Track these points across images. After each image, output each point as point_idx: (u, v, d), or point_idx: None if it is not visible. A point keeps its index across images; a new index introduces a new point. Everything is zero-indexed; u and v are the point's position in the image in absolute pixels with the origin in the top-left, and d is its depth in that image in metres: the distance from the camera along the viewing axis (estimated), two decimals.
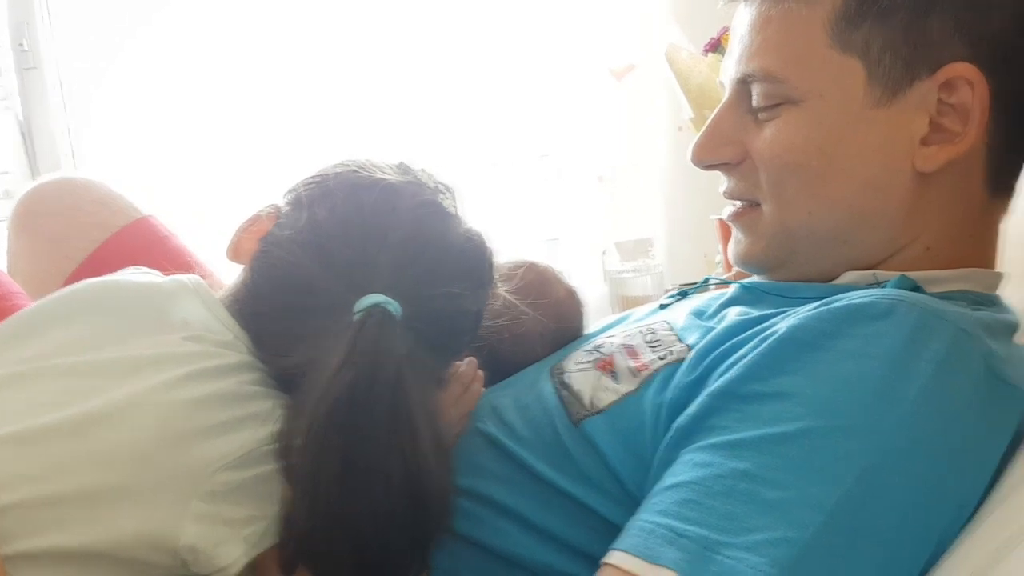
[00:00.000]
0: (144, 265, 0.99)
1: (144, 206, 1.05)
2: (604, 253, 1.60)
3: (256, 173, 1.92)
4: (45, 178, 1.04)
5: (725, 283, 0.83)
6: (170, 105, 1.93)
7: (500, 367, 0.81)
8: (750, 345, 0.60)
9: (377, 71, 1.88)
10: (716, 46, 1.28)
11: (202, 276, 1.01)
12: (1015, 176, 0.70)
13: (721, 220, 1.31)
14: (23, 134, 1.98)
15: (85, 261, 0.98)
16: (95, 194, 1.01)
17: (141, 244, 1.01)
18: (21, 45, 1.94)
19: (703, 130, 0.72)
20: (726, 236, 1.28)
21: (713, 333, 0.65)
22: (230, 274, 1.06)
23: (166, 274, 0.73)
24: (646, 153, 1.64)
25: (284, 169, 1.90)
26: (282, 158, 1.91)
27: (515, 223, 1.81)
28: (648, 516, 0.53)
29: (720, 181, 0.75)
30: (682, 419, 0.60)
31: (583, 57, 1.67)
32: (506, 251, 0.91)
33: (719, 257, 1.36)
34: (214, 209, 1.88)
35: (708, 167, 0.73)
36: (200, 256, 1.08)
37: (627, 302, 1.35)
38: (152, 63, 1.92)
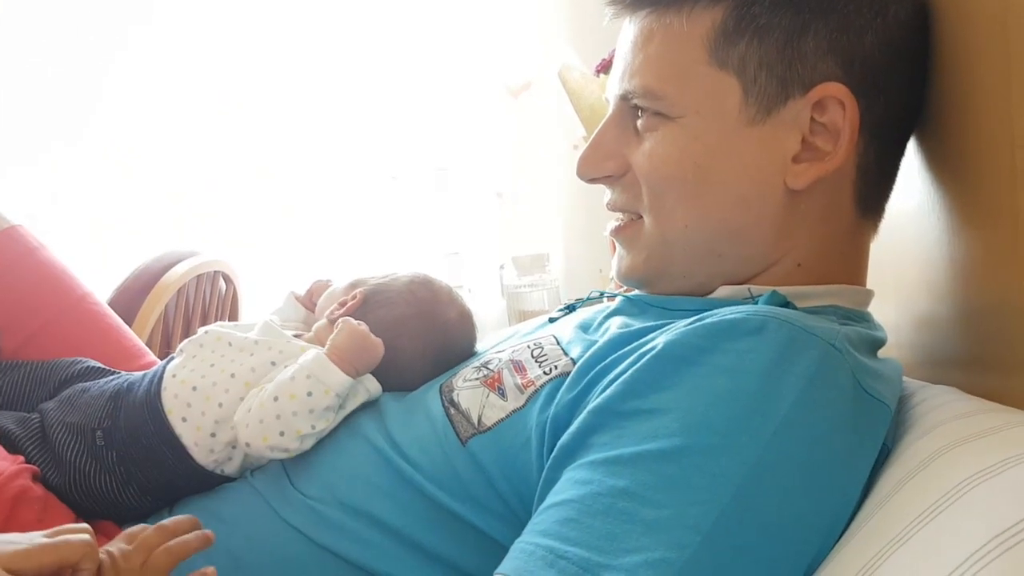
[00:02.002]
0: (7, 276, 0.94)
1: (12, 215, 0.99)
2: (502, 267, 1.60)
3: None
4: None
5: (613, 296, 0.84)
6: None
7: (382, 378, 0.80)
8: (629, 360, 0.60)
9: (276, 83, 1.84)
10: (607, 67, 1.30)
11: (70, 290, 0.98)
12: (884, 198, 0.73)
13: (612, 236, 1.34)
14: None
15: None
16: None
17: (11, 254, 0.95)
18: None
19: (587, 145, 0.73)
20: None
21: (595, 347, 0.65)
22: (95, 285, 1.02)
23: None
24: (543, 170, 1.66)
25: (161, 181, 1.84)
26: (162, 169, 1.84)
27: (415, 236, 1.80)
28: (530, 537, 0.53)
29: None
30: (564, 437, 0.59)
31: (481, 73, 1.68)
32: (408, 264, 0.91)
33: (613, 272, 1.38)
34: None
35: (592, 180, 0.74)
36: (68, 267, 1.02)
37: (524, 316, 1.36)
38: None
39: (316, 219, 1.89)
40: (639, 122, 0.70)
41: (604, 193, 0.77)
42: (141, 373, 0.85)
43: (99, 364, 0.91)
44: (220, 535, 0.72)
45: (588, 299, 0.86)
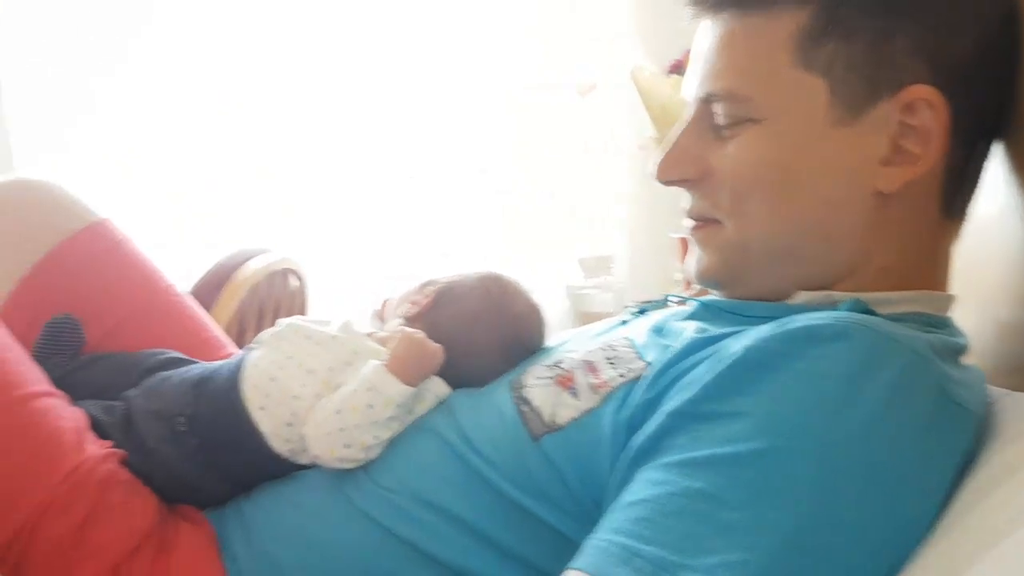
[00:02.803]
0: (97, 269, 0.98)
1: (99, 210, 1.03)
2: (566, 269, 1.60)
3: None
4: None
5: (684, 300, 0.83)
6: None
7: (455, 376, 0.81)
8: (707, 364, 0.60)
9: (351, 80, 1.87)
10: (679, 68, 1.30)
11: (153, 283, 1.01)
12: (969, 201, 0.71)
13: (682, 238, 1.33)
14: None
15: (39, 263, 0.96)
16: (51, 195, 0.99)
17: (98, 247, 0.99)
18: None
19: (664, 147, 0.73)
20: (685, 254, 1.30)
21: (671, 351, 0.65)
22: (175, 277, 1.06)
23: None
24: (609, 171, 1.66)
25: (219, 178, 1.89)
26: (221, 170, 1.89)
27: (479, 236, 1.81)
28: (604, 535, 0.54)
29: (681, 199, 0.76)
30: (639, 437, 0.60)
31: (549, 73, 1.69)
32: (474, 264, 0.92)
33: (679, 275, 1.37)
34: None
35: (669, 183, 0.73)
36: (151, 261, 1.06)
37: (587, 318, 1.36)
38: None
39: (383, 218, 1.92)
40: (721, 124, 0.70)
41: (673, 196, 0.77)
42: (222, 362, 0.88)
43: (181, 354, 0.95)
44: (294, 520, 0.75)
45: (661, 303, 0.86)
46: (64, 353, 0.92)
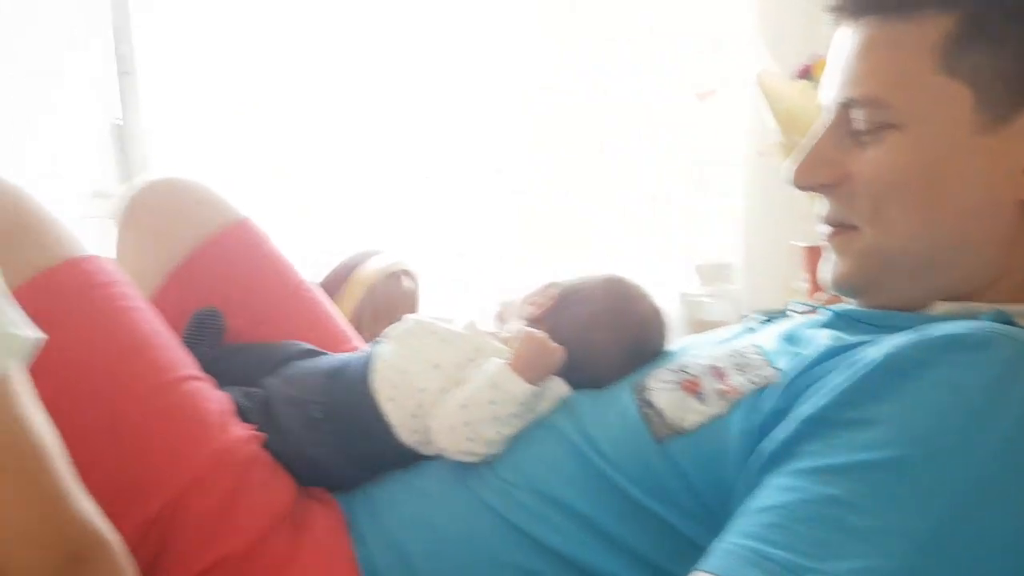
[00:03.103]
0: (239, 265, 1.04)
1: (241, 209, 1.10)
2: (681, 276, 1.59)
3: (328, 177, 1.98)
4: (153, 177, 1.09)
5: (812, 309, 0.82)
6: (253, 113, 2.00)
7: (576, 377, 0.82)
8: (842, 371, 0.60)
9: (480, 88, 1.90)
10: (807, 73, 1.27)
11: (289, 279, 1.07)
12: None
13: (807, 247, 1.30)
14: (116, 137, 2.08)
15: (187, 258, 1.02)
16: (198, 195, 1.06)
17: (240, 244, 1.05)
18: (120, 50, 2.04)
19: (802, 152, 0.72)
20: (811, 263, 1.26)
21: (804, 358, 0.65)
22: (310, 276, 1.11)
23: None
24: (728, 176, 1.63)
25: (346, 175, 1.96)
26: (343, 164, 1.96)
27: (591, 241, 1.82)
28: (734, 538, 0.54)
29: (802, 207, 0.75)
30: (770, 443, 0.60)
31: (666, 77, 1.67)
32: (585, 270, 0.93)
33: (801, 283, 1.34)
34: (291, 211, 1.95)
35: (806, 188, 0.73)
36: (287, 258, 1.12)
37: (702, 326, 1.34)
38: (237, 73, 2.00)
39: (488, 224, 1.95)
40: (860, 130, 0.69)
41: (794, 203, 0.76)
42: (353, 354, 0.92)
43: (313, 347, 1.00)
44: (420, 507, 0.78)
45: (788, 310, 0.85)
46: (208, 343, 0.98)
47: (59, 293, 0.76)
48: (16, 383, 0.42)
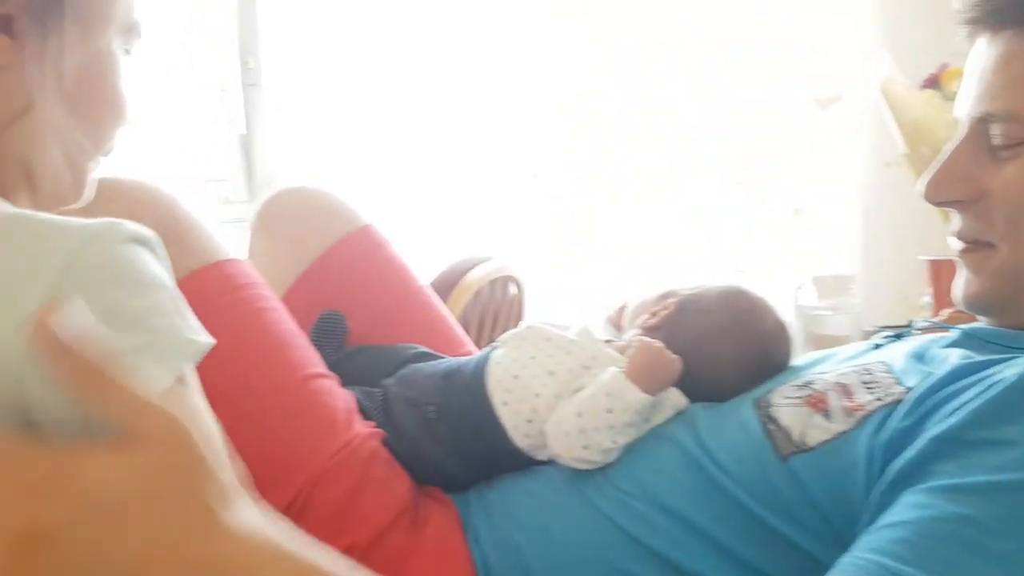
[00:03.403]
0: (361, 270, 1.09)
1: (365, 215, 1.14)
2: (798, 288, 1.55)
3: (446, 184, 2.03)
4: (284, 185, 1.15)
5: (940, 327, 0.80)
6: (376, 125, 2.08)
7: (694, 389, 0.82)
8: (975, 391, 0.59)
9: (578, 95, 1.92)
10: (935, 82, 1.22)
11: (408, 283, 1.11)
12: None
13: (932, 261, 1.25)
14: (243, 147, 2.20)
15: (315, 263, 1.07)
16: (326, 202, 1.11)
17: (363, 249, 1.10)
18: (247, 63, 2.15)
19: (936, 166, 0.70)
20: (936, 277, 1.22)
21: (934, 377, 0.64)
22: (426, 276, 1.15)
23: None
24: (848, 187, 1.59)
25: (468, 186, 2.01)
26: (471, 176, 2.00)
27: (702, 250, 1.80)
28: (862, 553, 0.53)
29: (927, 220, 0.73)
30: (900, 462, 0.59)
31: (786, 85, 1.64)
32: (693, 279, 0.93)
33: (925, 299, 1.29)
34: (413, 217, 2.01)
35: (939, 204, 0.71)
36: (407, 263, 1.16)
37: (820, 340, 1.31)
38: (361, 85, 2.09)
39: (596, 230, 1.96)
40: (998, 145, 0.66)
41: (919, 217, 0.74)
42: (468, 358, 0.95)
43: (430, 350, 1.03)
44: (534, 511, 0.79)
45: (915, 328, 0.82)
46: (332, 344, 1.02)
47: (206, 293, 0.81)
48: (192, 381, 0.46)
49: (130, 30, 0.52)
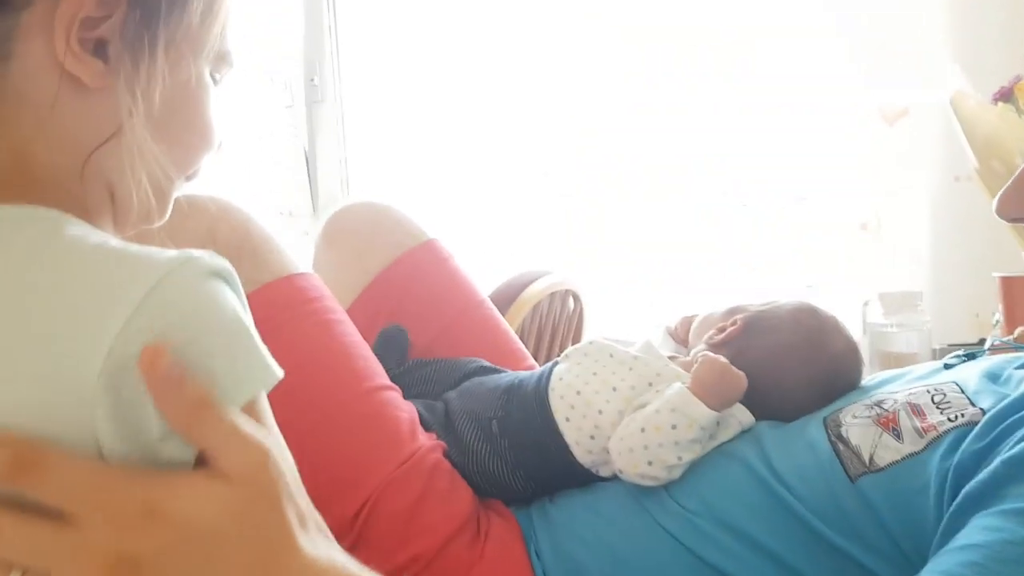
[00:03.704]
0: (425, 283, 1.11)
1: (429, 229, 1.16)
2: (866, 304, 1.52)
3: (508, 202, 2.05)
4: (352, 200, 1.18)
5: (1014, 348, 0.78)
6: (436, 138, 2.12)
7: (761, 406, 0.81)
8: None
9: (632, 108, 1.93)
10: (1008, 95, 1.19)
11: (470, 297, 1.12)
12: None
13: (1003, 278, 1.22)
14: (307, 161, 2.26)
15: (379, 275, 1.10)
16: (392, 217, 1.13)
17: (426, 263, 1.12)
18: (312, 80, 2.21)
19: (1012, 182, 0.69)
20: (1009, 295, 1.18)
21: (1009, 398, 0.62)
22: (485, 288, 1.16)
23: None
24: (916, 202, 1.55)
25: (539, 204, 2.02)
26: (539, 191, 2.01)
27: (768, 266, 1.78)
28: (932, 575, 0.52)
29: (1000, 237, 0.72)
30: (972, 484, 0.58)
31: (852, 99, 1.62)
32: (764, 295, 0.92)
33: (997, 317, 1.25)
34: (476, 229, 2.04)
35: (1013, 220, 0.69)
36: (469, 277, 1.17)
37: (888, 357, 1.28)
38: (425, 102, 2.12)
39: (659, 247, 1.95)
40: None
41: (991, 232, 0.73)
42: (529, 372, 0.95)
43: (490, 364, 1.04)
44: (597, 528, 0.79)
45: (981, 350, 0.81)
46: (395, 358, 1.04)
47: (277, 305, 0.84)
48: (265, 408, 0.47)
49: (222, 59, 0.53)
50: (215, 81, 0.53)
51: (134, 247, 0.44)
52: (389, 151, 2.20)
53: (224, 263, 0.45)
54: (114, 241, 0.45)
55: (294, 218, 2.30)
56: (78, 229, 0.45)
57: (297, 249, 1.20)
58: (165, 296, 0.41)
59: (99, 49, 0.46)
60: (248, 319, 0.46)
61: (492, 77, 2.05)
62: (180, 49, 0.48)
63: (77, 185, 0.47)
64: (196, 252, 0.44)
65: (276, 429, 0.48)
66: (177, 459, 0.42)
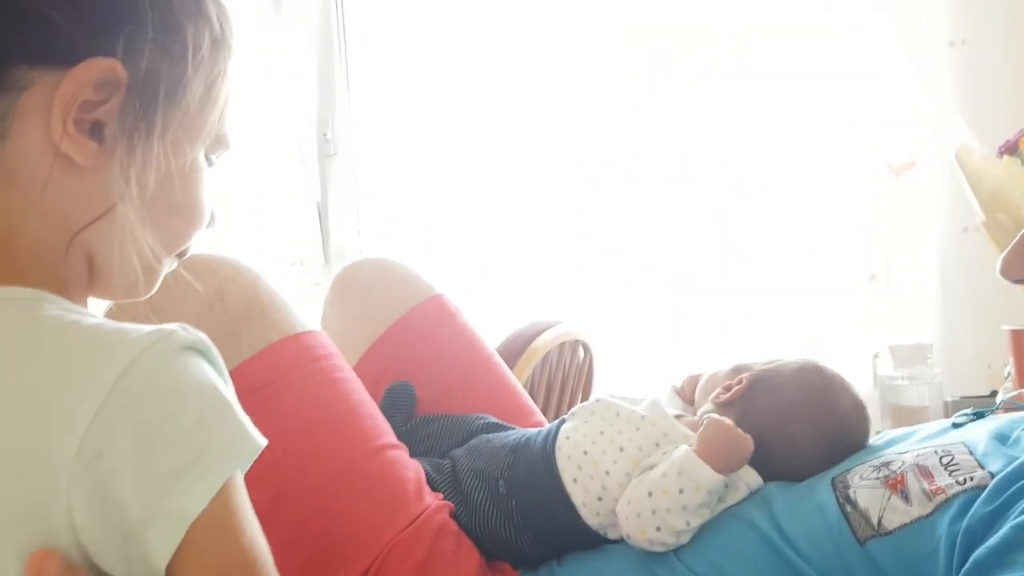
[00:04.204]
0: (431, 339, 1.11)
1: (436, 284, 1.17)
2: (876, 356, 1.51)
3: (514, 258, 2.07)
4: (359, 257, 1.19)
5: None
6: (448, 193, 2.14)
7: (769, 467, 0.80)
8: None
9: (641, 163, 1.95)
10: (1013, 149, 1.20)
11: (478, 351, 1.12)
12: None
13: (1014, 331, 1.21)
14: (319, 213, 2.29)
15: (386, 332, 1.10)
16: (399, 273, 1.14)
17: (433, 319, 1.12)
18: (325, 135, 2.25)
19: (1015, 244, 0.69)
20: (1019, 348, 1.17)
21: (1018, 461, 0.62)
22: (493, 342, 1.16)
23: None
24: (925, 253, 1.55)
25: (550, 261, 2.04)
26: (550, 250, 2.03)
27: (777, 319, 1.77)
28: None
29: (1010, 288, 0.71)
30: (982, 550, 0.57)
31: (857, 151, 1.63)
32: (771, 349, 0.91)
33: (1008, 370, 1.24)
34: (483, 281, 2.05)
35: (1017, 282, 0.69)
36: (477, 331, 1.18)
37: (899, 411, 1.27)
38: (434, 154, 2.16)
39: (663, 298, 1.95)
40: None
41: (1005, 284, 0.72)
42: (536, 430, 0.95)
43: (498, 420, 1.03)
44: None
45: (997, 408, 0.80)
46: (401, 414, 1.04)
47: (285, 363, 0.84)
48: (239, 487, 0.45)
49: (218, 142, 0.53)
50: (210, 163, 0.53)
51: (109, 325, 0.44)
52: (399, 202, 2.23)
53: (199, 336, 0.44)
54: (89, 319, 0.44)
55: (306, 269, 2.32)
56: (55, 308, 0.44)
57: (308, 300, 1.22)
58: (136, 377, 0.41)
59: (95, 130, 0.46)
60: (228, 390, 0.45)
61: (500, 133, 2.08)
62: (177, 135, 0.49)
63: (60, 260, 0.47)
64: (169, 327, 0.43)
65: (250, 511, 0.46)
66: (156, 549, 0.41)
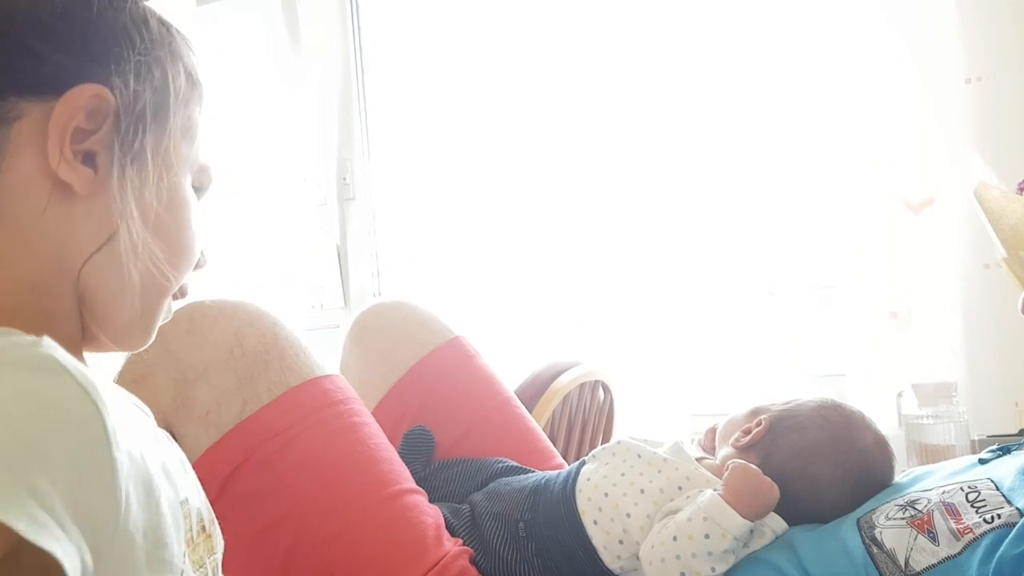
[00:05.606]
0: (450, 382, 1.11)
1: (455, 327, 1.18)
2: (900, 395, 1.49)
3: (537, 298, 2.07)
4: (378, 300, 1.20)
5: None
6: (466, 235, 2.16)
7: (793, 509, 0.79)
8: None
9: (661, 204, 1.96)
10: None
11: (497, 394, 1.12)
12: None
13: None
14: (339, 256, 2.31)
15: (405, 375, 1.10)
16: (418, 315, 1.15)
17: (452, 362, 1.12)
18: (344, 179, 2.29)
19: None
20: None
21: None
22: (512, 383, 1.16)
23: None
24: (947, 290, 1.54)
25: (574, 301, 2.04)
26: (574, 289, 2.03)
27: (793, 356, 1.76)
28: None
29: None
30: None
31: (876, 188, 1.62)
32: (790, 388, 0.90)
33: None
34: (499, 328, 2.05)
35: None
36: (496, 374, 1.17)
37: (925, 450, 1.25)
38: (451, 197, 2.18)
39: (683, 337, 1.94)
40: None
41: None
42: (556, 472, 0.94)
43: (517, 463, 1.03)
44: None
45: (1019, 442, 0.78)
46: (420, 459, 1.03)
47: (303, 408, 0.84)
48: None
49: (203, 173, 0.54)
50: (199, 194, 0.54)
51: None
52: (417, 244, 2.25)
53: (46, 353, 0.37)
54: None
55: (326, 311, 2.34)
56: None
57: (328, 342, 1.22)
58: None
59: (87, 160, 0.46)
60: (32, 431, 0.35)
61: (516, 176, 2.11)
62: (166, 159, 0.49)
63: (47, 305, 0.46)
64: (23, 339, 0.38)
65: None
66: None
